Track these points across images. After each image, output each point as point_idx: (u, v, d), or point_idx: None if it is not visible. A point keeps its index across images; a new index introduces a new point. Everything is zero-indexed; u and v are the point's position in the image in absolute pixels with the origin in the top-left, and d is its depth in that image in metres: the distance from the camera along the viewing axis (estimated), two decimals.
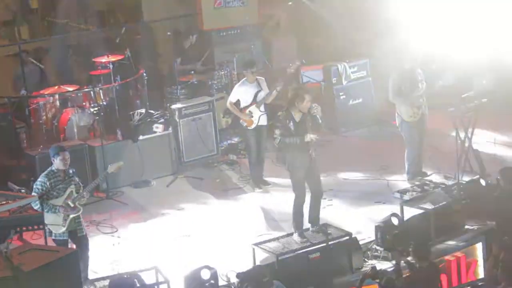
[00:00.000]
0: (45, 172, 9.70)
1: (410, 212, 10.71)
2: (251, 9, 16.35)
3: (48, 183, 9.58)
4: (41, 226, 9.48)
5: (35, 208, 9.51)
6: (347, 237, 10.19)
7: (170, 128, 13.28)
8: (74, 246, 9.65)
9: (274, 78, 12.61)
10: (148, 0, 16.90)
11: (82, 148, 12.50)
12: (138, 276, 8.94)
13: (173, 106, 13.40)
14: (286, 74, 12.28)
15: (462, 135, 12.09)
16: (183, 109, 13.34)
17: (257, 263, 9.93)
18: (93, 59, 14.15)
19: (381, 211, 11.20)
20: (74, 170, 9.82)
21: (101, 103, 13.37)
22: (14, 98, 14.11)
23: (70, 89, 13.64)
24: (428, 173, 12.33)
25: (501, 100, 13.53)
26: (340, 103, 14.68)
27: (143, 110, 13.42)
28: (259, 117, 12.24)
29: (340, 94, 14.67)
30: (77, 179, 9.80)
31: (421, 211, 10.67)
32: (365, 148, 13.95)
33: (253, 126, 12.25)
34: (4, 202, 9.36)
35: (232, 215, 11.76)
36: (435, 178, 12.22)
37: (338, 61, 14.84)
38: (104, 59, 13.86)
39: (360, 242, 10.27)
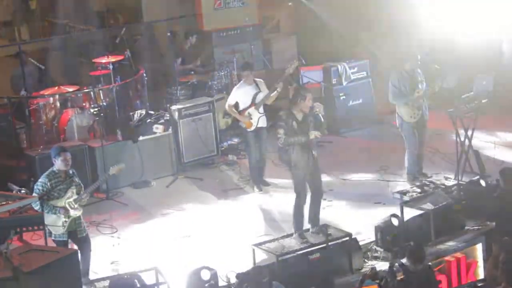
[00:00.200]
0: (46, 173, 9.70)
1: (410, 213, 10.71)
2: (251, 10, 16.37)
3: (49, 184, 9.58)
4: (41, 227, 9.47)
5: (36, 208, 9.51)
6: (347, 238, 10.18)
7: (170, 129, 13.28)
8: (75, 247, 9.64)
9: (274, 78, 12.60)
10: (148, 0, 16.91)
11: (82, 148, 12.49)
12: (138, 276, 8.94)
13: (173, 107, 13.40)
14: (284, 75, 12.26)
15: (462, 135, 12.09)
16: (183, 109, 13.34)
17: (257, 263, 9.93)
18: (93, 60, 14.15)
19: (381, 212, 11.20)
20: (74, 171, 9.83)
21: (101, 103, 13.37)
22: (14, 98, 14.12)
23: (70, 89, 13.64)
24: (428, 173, 12.31)
25: (501, 101, 13.57)
26: (340, 104, 14.68)
27: (143, 111, 13.42)
28: (258, 118, 12.23)
29: (340, 94, 14.67)
30: (77, 179, 9.81)
31: (421, 211, 10.67)
32: (365, 148, 13.95)
33: (252, 128, 12.25)
34: (4, 203, 9.36)
35: (232, 215, 11.76)
36: (435, 178, 12.21)
37: (338, 62, 14.84)
38: (104, 60, 13.86)
39: (360, 243, 10.27)
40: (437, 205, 10.70)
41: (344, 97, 14.68)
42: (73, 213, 9.65)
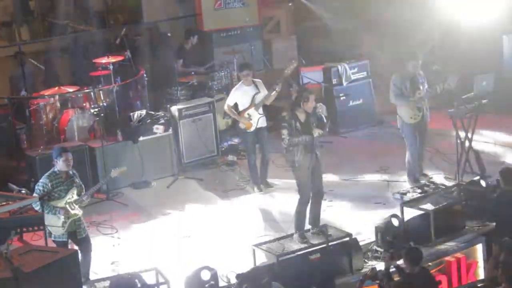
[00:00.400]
0: (47, 173, 9.70)
1: (410, 213, 10.71)
2: (251, 10, 16.37)
3: (49, 185, 9.58)
4: (41, 227, 9.50)
5: (36, 208, 9.52)
6: (347, 238, 10.19)
7: (170, 129, 13.28)
8: (75, 247, 9.64)
9: (274, 79, 12.60)
10: (148, 1, 16.91)
11: (82, 149, 12.49)
12: (139, 276, 8.94)
13: (173, 107, 13.40)
14: (283, 76, 12.25)
15: (462, 136, 12.09)
16: (183, 110, 13.34)
17: (258, 264, 9.93)
18: (93, 60, 14.16)
19: (381, 212, 11.22)
20: (75, 172, 9.83)
21: (101, 104, 13.37)
22: (14, 99, 14.12)
23: (70, 90, 13.65)
24: (429, 174, 12.31)
25: (501, 101, 13.56)
26: (340, 104, 14.67)
27: (143, 111, 13.41)
28: (258, 119, 12.22)
29: (340, 95, 14.66)
30: (78, 180, 9.81)
31: (421, 212, 10.67)
32: (365, 149, 13.95)
33: (252, 129, 12.24)
34: (5, 203, 9.38)
35: (232, 216, 11.75)
36: (436, 179, 12.21)
37: (338, 62, 14.83)
38: (104, 60, 13.86)
39: (360, 243, 10.27)
40: (437, 206, 10.71)
41: (344, 97, 14.68)
42: (73, 214, 9.65)
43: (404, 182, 12.23)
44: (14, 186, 10.83)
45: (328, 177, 12.43)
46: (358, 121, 14.75)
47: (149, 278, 9.22)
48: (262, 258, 10.07)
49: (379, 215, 10.98)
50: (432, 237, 10.46)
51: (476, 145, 12.43)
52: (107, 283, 9.12)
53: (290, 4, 17.31)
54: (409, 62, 11.87)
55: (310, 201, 10.49)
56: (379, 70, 15.00)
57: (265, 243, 10.25)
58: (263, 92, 12.25)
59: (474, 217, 10.89)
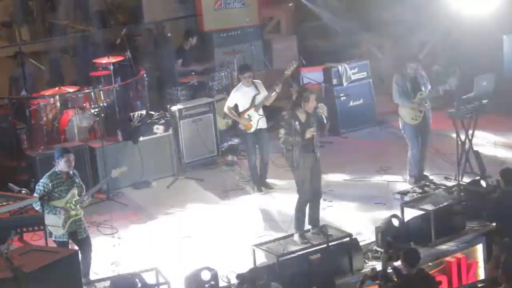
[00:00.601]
0: (48, 173, 9.70)
1: (410, 213, 10.71)
2: (251, 10, 16.38)
3: (50, 185, 9.58)
4: (41, 227, 9.50)
5: (36, 209, 9.52)
6: (348, 238, 10.19)
7: (170, 129, 13.28)
8: (76, 248, 9.64)
9: (275, 79, 12.60)
10: (148, 1, 16.92)
11: (82, 149, 12.48)
12: (139, 276, 8.94)
13: (174, 107, 13.40)
14: (283, 76, 12.24)
15: (462, 136, 12.09)
16: (184, 110, 13.34)
17: (258, 264, 9.93)
18: (94, 60, 14.16)
19: (382, 212, 11.21)
20: (75, 172, 9.83)
21: (101, 104, 13.38)
22: (14, 99, 14.13)
23: (71, 90, 13.65)
24: (429, 174, 12.29)
25: (501, 101, 13.56)
26: (340, 104, 14.67)
27: (143, 111, 13.42)
28: (257, 120, 12.22)
29: (341, 95, 14.66)
30: (78, 180, 9.81)
31: (421, 212, 10.67)
32: (365, 149, 13.95)
33: (252, 130, 12.24)
34: (5, 203, 9.38)
35: (233, 216, 11.75)
36: (436, 179, 12.20)
37: (339, 62, 14.83)
38: (104, 60, 13.86)
39: (361, 243, 10.27)
40: (438, 206, 10.71)
41: (344, 97, 14.68)
42: (74, 214, 9.65)
43: (404, 182, 12.22)
44: (15, 186, 10.83)
45: (329, 177, 12.45)
46: (358, 121, 14.74)
47: (149, 278, 9.22)
48: (262, 258, 10.06)
49: (379, 215, 10.98)
50: (432, 238, 10.46)
51: (476, 146, 12.43)
52: (107, 283, 9.13)
53: (290, 4, 17.31)
54: (410, 62, 11.87)
55: (308, 201, 10.49)
56: (379, 71, 15.02)
57: (265, 243, 10.24)
58: (263, 93, 12.25)
59: (474, 217, 10.88)
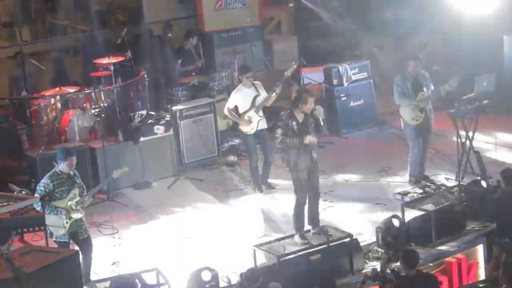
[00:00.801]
0: (49, 174, 9.70)
1: (411, 214, 10.71)
2: (251, 11, 16.39)
3: (51, 185, 9.58)
4: (42, 228, 9.50)
5: (37, 209, 9.52)
6: (348, 239, 10.18)
7: (171, 130, 13.28)
8: (77, 248, 9.64)
9: (275, 79, 12.60)
10: (149, 1, 16.92)
11: (83, 149, 12.47)
12: (139, 276, 8.94)
13: (174, 108, 13.40)
14: (283, 77, 12.24)
15: (463, 136, 12.09)
16: (184, 110, 13.34)
17: (258, 264, 9.92)
18: (94, 61, 14.16)
19: (382, 213, 11.21)
20: (76, 172, 9.84)
21: (102, 104, 13.38)
22: (15, 99, 14.13)
23: (71, 90, 13.65)
24: (430, 175, 12.28)
25: (502, 102, 13.56)
26: (341, 105, 14.66)
27: (144, 112, 13.41)
28: (258, 121, 12.22)
29: (341, 95, 14.66)
30: (79, 181, 9.81)
31: (422, 212, 10.66)
32: (366, 149, 13.94)
33: (252, 131, 12.24)
34: (5, 204, 9.38)
35: (233, 216, 11.75)
36: (436, 179, 12.20)
37: (339, 63, 14.84)
38: (105, 61, 13.86)
39: (361, 244, 10.27)
40: (438, 206, 10.71)
41: (345, 98, 14.68)
42: (75, 214, 9.65)
43: (405, 183, 12.22)
44: (15, 187, 10.83)
45: (329, 178, 12.45)
46: (359, 122, 14.74)
47: (150, 279, 9.21)
48: (262, 259, 10.06)
49: (380, 216, 10.97)
50: (433, 238, 10.46)
51: (477, 146, 12.43)
52: (107, 283, 9.12)
53: (291, 4, 17.31)
54: (410, 61, 11.86)
55: (307, 201, 10.48)
56: (380, 71, 15.03)
57: (265, 243, 10.24)
58: (263, 94, 12.25)
59: (475, 217, 10.88)
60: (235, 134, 13.96)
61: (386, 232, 10.21)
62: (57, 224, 9.59)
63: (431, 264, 10.08)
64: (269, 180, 12.49)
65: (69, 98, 13.51)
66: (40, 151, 12.44)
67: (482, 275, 10.23)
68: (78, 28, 17.08)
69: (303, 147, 10.23)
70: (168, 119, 13.35)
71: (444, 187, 11.76)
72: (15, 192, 10.53)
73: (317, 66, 15.27)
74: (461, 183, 11.53)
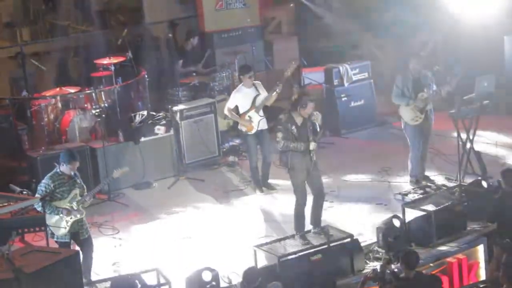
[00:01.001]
0: (50, 174, 9.71)
1: (411, 214, 10.70)
2: (252, 11, 16.38)
3: (52, 185, 9.59)
4: (42, 228, 9.49)
5: (38, 209, 9.52)
6: (349, 239, 10.18)
7: (171, 130, 13.28)
8: (78, 248, 9.65)
9: (276, 79, 12.60)
10: (149, 1, 16.92)
11: (83, 149, 12.47)
12: (139, 277, 8.94)
13: (175, 108, 13.40)
14: (283, 77, 12.24)
15: (463, 137, 12.09)
16: (185, 110, 13.34)
17: (259, 265, 9.92)
18: (95, 61, 14.16)
19: (383, 213, 11.22)
20: (77, 173, 9.84)
21: (102, 105, 13.38)
22: (15, 99, 14.12)
23: (72, 90, 13.65)
24: (430, 175, 12.28)
25: (502, 102, 13.57)
26: (341, 105, 14.67)
27: (144, 112, 13.42)
28: (258, 121, 12.22)
29: (342, 95, 14.67)
30: (80, 181, 9.82)
31: (422, 213, 10.66)
32: (366, 149, 13.95)
33: (253, 131, 12.24)
34: (6, 204, 9.39)
35: (234, 216, 11.76)
36: (437, 180, 12.20)
37: (340, 63, 14.84)
38: (105, 61, 13.87)
39: (362, 244, 10.27)
40: (439, 206, 10.70)
41: (345, 98, 14.69)
42: (76, 214, 9.66)
43: (405, 183, 12.22)
44: (16, 187, 10.83)
45: (330, 178, 12.45)
46: (359, 122, 14.75)
47: (150, 279, 9.22)
48: (263, 259, 10.06)
49: (380, 216, 10.97)
50: (433, 238, 10.45)
51: (477, 146, 12.42)
52: (108, 283, 9.12)
53: (292, 5, 17.30)
54: (411, 60, 11.86)
55: (311, 202, 10.50)
56: (380, 71, 15.02)
57: (266, 244, 10.24)
58: (263, 94, 12.25)
59: (475, 218, 10.88)
60: (235, 134, 13.97)
61: (387, 232, 10.21)
62: (58, 224, 9.60)
63: (431, 265, 10.08)
64: (270, 181, 12.49)
65: (69, 99, 13.51)
66: (41, 152, 12.44)
67: (482, 276, 10.24)
68: (78, 28, 17.06)
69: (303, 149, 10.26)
70: (169, 119, 13.35)
71: (444, 187, 11.76)
72: (15, 193, 10.53)
73: (318, 66, 15.26)
74: (461, 183, 11.52)
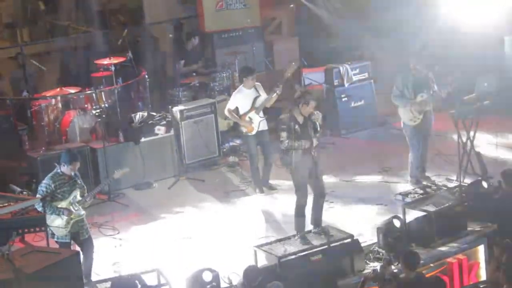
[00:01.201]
0: (50, 174, 9.71)
1: (412, 214, 10.70)
2: (252, 11, 16.38)
3: (53, 186, 9.59)
4: (43, 228, 9.49)
5: (38, 209, 9.52)
6: (349, 239, 10.18)
7: (172, 130, 13.28)
8: (78, 248, 9.65)
9: (276, 80, 12.60)
10: (150, 2, 16.93)
11: (84, 150, 12.48)
12: (139, 277, 8.94)
13: (175, 108, 13.40)
14: (283, 78, 12.24)
15: (464, 137, 12.09)
16: (185, 111, 13.34)
17: (259, 265, 9.92)
18: (95, 61, 14.17)
19: (383, 213, 11.22)
20: (77, 173, 9.84)
21: (103, 105, 13.38)
22: (16, 99, 14.13)
23: (72, 91, 13.66)
24: (431, 176, 12.28)
25: (503, 102, 13.55)
26: (342, 105, 14.67)
27: (145, 112, 13.43)
28: (259, 122, 12.22)
29: (342, 96, 14.67)
30: (80, 181, 9.82)
31: (423, 213, 10.66)
32: (366, 150, 13.95)
33: (253, 132, 12.23)
34: (6, 204, 9.38)
35: (234, 217, 11.76)
36: (437, 180, 12.20)
37: (340, 63, 14.84)
38: (106, 61, 13.87)
39: (362, 244, 10.26)
40: (439, 207, 10.70)
41: (346, 98, 14.69)
42: (76, 215, 9.66)
43: (406, 183, 12.22)
44: (16, 187, 10.83)
45: (330, 178, 12.43)
46: (359, 122, 14.75)
47: (151, 279, 9.21)
48: (263, 259, 10.06)
49: (380, 216, 10.98)
50: (433, 239, 10.45)
51: (477, 146, 12.42)
52: (108, 284, 9.12)
53: (292, 5, 17.31)
54: (412, 59, 11.85)
55: (312, 202, 10.50)
56: (380, 71, 15.01)
57: (266, 244, 10.24)
58: (263, 95, 12.25)
59: (476, 218, 10.88)
60: (236, 134, 13.96)
61: (387, 232, 10.21)
62: (58, 225, 9.60)
63: (432, 265, 10.07)
64: (270, 181, 12.49)
65: (70, 99, 13.52)
66: (41, 152, 12.44)
67: (483, 276, 10.24)
68: (78, 28, 17.07)
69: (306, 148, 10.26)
70: (169, 119, 13.35)
71: (445, 188, 11.75)
72: (16, 193, 10.53)
73: (318, 66, 15.26)
74: (462, 183, 11.52)
